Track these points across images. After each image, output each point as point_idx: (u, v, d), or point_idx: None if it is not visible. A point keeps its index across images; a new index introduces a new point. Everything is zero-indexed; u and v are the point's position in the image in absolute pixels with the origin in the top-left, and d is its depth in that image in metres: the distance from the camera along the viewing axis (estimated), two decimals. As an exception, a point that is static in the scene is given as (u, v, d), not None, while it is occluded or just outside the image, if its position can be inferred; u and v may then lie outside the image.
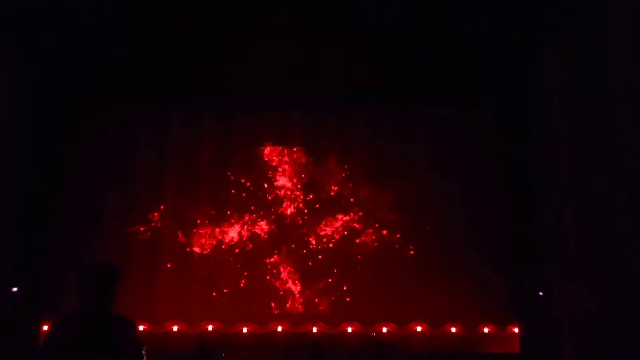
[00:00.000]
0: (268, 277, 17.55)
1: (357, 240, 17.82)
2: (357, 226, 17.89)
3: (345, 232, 17.87)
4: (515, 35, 14.41)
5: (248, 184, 18.11)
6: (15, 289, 14.84)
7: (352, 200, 18.01)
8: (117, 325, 3.98)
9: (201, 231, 17.72)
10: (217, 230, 17.79)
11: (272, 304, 17.40)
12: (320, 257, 17.72)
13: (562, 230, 14.53)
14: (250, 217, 17.93)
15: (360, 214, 17.92)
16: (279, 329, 16.89)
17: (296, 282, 17.58)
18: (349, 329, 16.88)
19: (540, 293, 15.51)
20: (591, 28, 12.83)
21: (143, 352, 8.44)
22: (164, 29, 14.68)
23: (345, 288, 17.49)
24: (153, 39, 14.86)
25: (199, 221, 17.76)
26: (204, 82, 16.35)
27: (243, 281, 17.47)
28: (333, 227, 17.92)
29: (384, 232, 17.80)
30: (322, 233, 17.89)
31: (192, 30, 14.80)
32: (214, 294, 17.33)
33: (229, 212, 17.93)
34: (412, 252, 17.66)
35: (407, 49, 15.05)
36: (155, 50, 15.26)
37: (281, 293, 17.49)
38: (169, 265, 17.43)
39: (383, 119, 18.22)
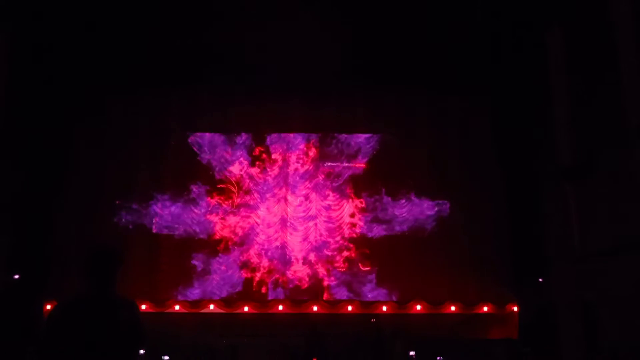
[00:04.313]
0: (268, 259, 17.66)
1: (357, 222, 17.93)
2: (357, 208, 17.99)
3: (346, 214, 17.97)
4: (516, 23, 14.35)
5: (248, 167, 18.19)
6: (16, 277, 14.92)
7: (352, 184, 18.10)
8: (120, 307, 4.03)
9: (203, 213, 17.82)
10: (220, 212, 17.90)
11: (272, 285, 17.52)
12: (321, 238, 17.86)
13: (562, 215, 14.55)
14: (250, 201, 18.04)
15: (361, 196, 18.02)
16: (280, 307, 17.04)
17: (297, 262, 17.70)
18: (349, 308, 17.02)
19: (540, 279, 15.59)
20: (592, 15, 12.76)
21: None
22: (164, 16, 14.62)
23: (345, 268, 17.62)
24: (151, 26, 14.78)
25: (199, 204, 17.84)
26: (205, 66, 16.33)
27: (243, 262, 17.59)
28: (334, 209, 18.04)
29: (384, 214, 17.91)
30: (324, 214, 18.02)
31: (194, 16, 14.74)
32: (214, 275, 17.44)
33: (233, 195, 18.02)
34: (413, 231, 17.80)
35: (407, 37, 14.96)
36: (155, 37, 15.12)
37: (282, 273, 17.59)
38: (171, 245, 17.56)
39: (383, 107, 18.21)
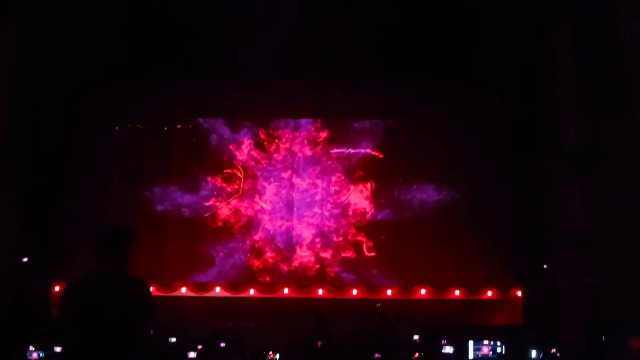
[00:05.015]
0: (273, 244, 17.74)
1: (365, 207, 17.98)
2: (365, 194, 18.03)
3: (353, 199, 18.01)
4: (526, 11, 14.29)
5: (254, 152, 18.22)
6: (25, 259, 15.02)
7: (359, 169, 18.14)
8: (132, 285, 4.10)
9: (208, 198, 17.89)
10: (225, 196, 17.96)
11: (278, 269, 17.61)
12: (328, 223, 17.93)
13: (568, 202, 14.57)
14: (256, 186, 18.09)
15: (368, 182, 18.06)
16: (285, 291, 17.13)
17: (303, 248, 17.77)
18: (354, 292, 17.12)
19: (545, 266, 15.64)
20: (601, 4, 12.68)
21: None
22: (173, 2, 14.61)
23: (351, 253, 17.70)
24: (161, 12, 14.74)
25: (204, 189, 17.92)
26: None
27: (247, 247, 17.68)
28: (342, 194, 18.07)
29: (391, 200, 17.95)
30: (331, 200, 18.08)
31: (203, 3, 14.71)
32: (218, 260, 17.54)
33: (238, 180, 18.07)
34: (419, 217, 17.83)
35: (417, 25, 14.88)
36: (156, 23, 15.06)
37: (287, 259, 17.68)
38: (177, 230, 17.64)
39: (392, 94, 18.16)
